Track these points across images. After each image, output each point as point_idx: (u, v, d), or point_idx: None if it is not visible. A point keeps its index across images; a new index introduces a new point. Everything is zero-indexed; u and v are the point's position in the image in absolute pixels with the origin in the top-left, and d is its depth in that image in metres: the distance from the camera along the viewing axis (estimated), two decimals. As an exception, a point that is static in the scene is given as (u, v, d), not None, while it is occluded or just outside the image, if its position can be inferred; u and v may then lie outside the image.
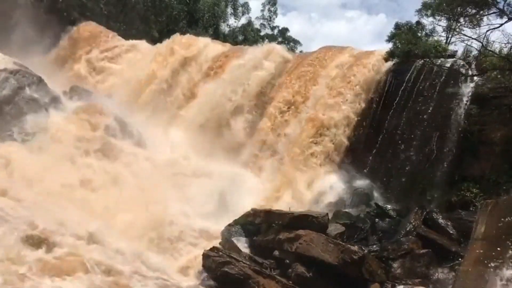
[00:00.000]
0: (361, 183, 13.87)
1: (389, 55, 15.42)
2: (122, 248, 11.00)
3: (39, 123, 15.61)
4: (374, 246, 10.53)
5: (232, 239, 11.01)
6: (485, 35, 13.09)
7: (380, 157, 14.05)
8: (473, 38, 13.45)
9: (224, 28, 33.78)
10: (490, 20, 13.30)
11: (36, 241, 9.49)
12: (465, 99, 13.62)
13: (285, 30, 36.85)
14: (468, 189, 12.20)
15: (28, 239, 9.43)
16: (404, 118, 14.13)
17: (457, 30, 14.20)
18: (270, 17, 36.66)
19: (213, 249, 9.73)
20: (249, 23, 35.61)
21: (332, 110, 15.59)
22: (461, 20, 13.88)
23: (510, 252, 5.85)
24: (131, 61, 22.59)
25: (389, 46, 16.16)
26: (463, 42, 14.20)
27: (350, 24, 68.13)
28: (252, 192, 14.82)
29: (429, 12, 14.31)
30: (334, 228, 11.01)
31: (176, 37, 22.36)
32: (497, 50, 13.44)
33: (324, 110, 15.75)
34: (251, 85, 18.30)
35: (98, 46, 23.44)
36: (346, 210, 12.76)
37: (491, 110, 13.20)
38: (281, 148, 15.98)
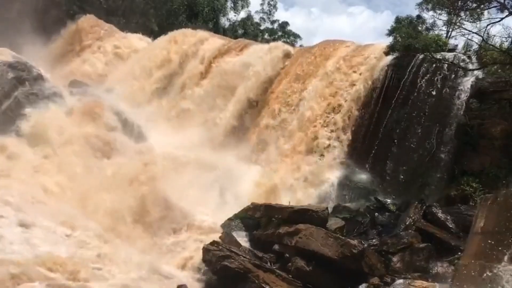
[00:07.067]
0: (361, 177, 13.89)
1: (390, 49, 15.36)
2: (121, 243, 11.07)
3: (38, 117, 15.59)
4: (374, 240, 10.55)
5: (232, 233, 11.05)
6: (485, 29, 13.09)
7: (380, 151, 14.05)
8: (473, 32, 13.44)
9: (224, 22, 33.69)
10: (491, 14, 13.31)
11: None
12: (465, 93, 13.61)
13: (285, 24, 36.73)
14: (468, 183, 12.20)
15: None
16: (404, 112, 14.12)
17: (458, 24, 14.17)
18: (270, 11, 36.53)
19: (213, 243, 9.75)
20: (249, 17, 35.48)
21: (333, 105, 15.57)
22: (462, 14, 13.86)
23: (510, 246, 5.86)
24: (132, 55, 22.54)
25: (390, 40, 16.15)
26: (464, 36, 14.19)
27: (351, 19, 67.92)
28: (252, 186, 14.83)
29: (429, 6, 14.28)
30: (334, 222, 11.05)
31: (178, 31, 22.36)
32: (497, 44, 13.43)
33: (324, 105, 15.72)
34: (253, 79, 18.24)
35: (98, 40, 23.39)
36: (346, 204, 12.80)
37: (491, 104, 13.19)
38: (281, 142, 15.97)
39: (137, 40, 23.92)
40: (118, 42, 23.50)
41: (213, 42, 21.53)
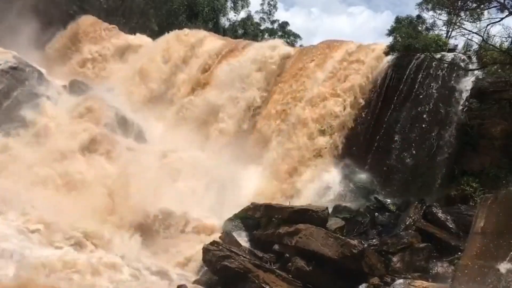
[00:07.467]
0: (361, 177, 13.87)
1: (390, 49, 15.35)
2: (121, 242, 11.08)
3: (38, 117, 15.60)
4: (374, 240, 10.56)
5: (232, 233, 11.04)
6: (485, 29, 13.07)
7: (380, 151, 14.03)
8: (473, 32, 13.42)
9: (224, 22, 33.67)
10: (491, 14, 13.30)
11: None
12: (465, 93, 13.59)
13: (285, 24, 36.69)
14: (468, 183, 12.20)
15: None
16: (404, 112, 14.11)
17: (458, 24, 14.17)
18: (270, 11, 36.51)
19: (213, 243, 9.76)
20: (249, 17, 35.47)
21: (332, 104, 15.53)
22: (462, 14, 13.86)
23: (510, 246, 5.86)
24: (132, 55, 22.49)
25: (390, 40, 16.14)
26: (464, 36, 14.16)
27: (351, 19, 67.95)
28: (252, 186, 14.82)
29: (429, 6, 14.29)
30: (334, 222, 11.06)
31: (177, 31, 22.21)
32: (497, 44, 13.41)
33: (324, 104, 15.69)
34: (252, 80, 18.15)
35: (98, 40, 23.34)
36: (346, 204, 12.79)
37: (491, 104, 13.18)
38: (281, 142, 15.93)
39: (139, 40, 23.63)
40: (119, 41, 23.30)
41: (198, 62, 19.99)
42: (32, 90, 16.09)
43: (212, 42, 20.84)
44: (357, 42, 17.35)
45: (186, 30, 22.21)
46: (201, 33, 21.86)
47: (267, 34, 35.07)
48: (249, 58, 18.55)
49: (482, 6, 13.27)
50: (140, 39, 23.43)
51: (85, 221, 11.31)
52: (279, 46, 18.99)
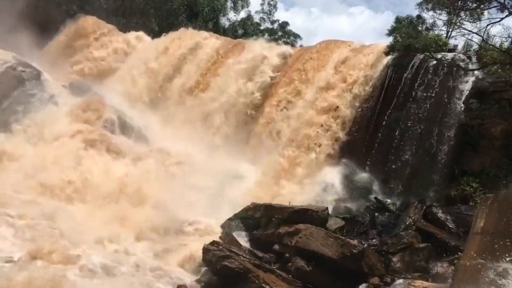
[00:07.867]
0: (361, 177, 13.87)
1: (390, 49, 15.35)
2: (120, 242, 11.08)
3: (38, 117, 15.61)
4: (374, 240, 10.54)
5: (232, 233, 11.04)
6: (485, 29, 13.11)
7: (380, 151, 14.04)
8: (473, 32, 13.47)
9: (224, 22, 33.67)
10: (491, 14, 13.33)
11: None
12: (465, 93, 13.60)
13: (285, 24, 36.67)
14: (468, 183, 12.21)
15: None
16: (404, 112, 14.11)
17: (458, 24, 14.19)
18: (270, 11, 36.51)
19: (213, 243, 9.76)
20: (249, 17, 35.47)
21: (332, 104, 15.54)
22: (462, 14, 13.88)
23: (510, 246, 5.86)
24: (132, 55, 22.49)
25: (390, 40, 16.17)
26: (464, 36, 14.20)
27: (352, 19, 67.96)
28: (252, 186, 14.83)
29: (429, 6, 14.32)
30: (334, 222, 11.05)
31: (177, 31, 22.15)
32: (497, 44, 13.44)
33: (323, 104, 15.70)
34: (252, 80, 18.13)
35: (98, 40, 23.34)
36: (346, 204, 12.80)
37: (491, 104, 13.20)
38: (280, 142, 15.94)
39: (139, 39, 23.53)
40: (119, 41, 23.28)
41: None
42: (32, 90, 16.09)
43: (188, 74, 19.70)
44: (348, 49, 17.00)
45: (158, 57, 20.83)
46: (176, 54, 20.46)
47: (267, 34, 35.06)
48: (215, 99, 17.66)
49: (482, 6, 13.29)
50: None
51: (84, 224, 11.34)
52: (263, 65, 17.94)
